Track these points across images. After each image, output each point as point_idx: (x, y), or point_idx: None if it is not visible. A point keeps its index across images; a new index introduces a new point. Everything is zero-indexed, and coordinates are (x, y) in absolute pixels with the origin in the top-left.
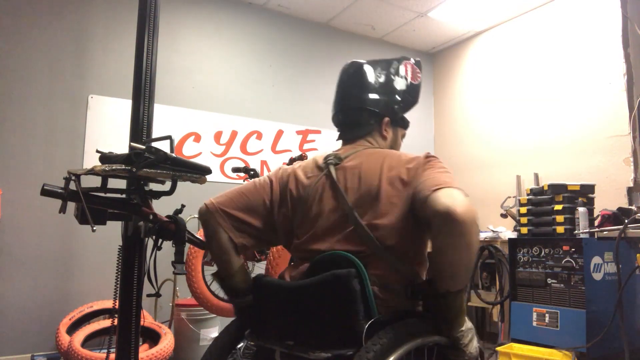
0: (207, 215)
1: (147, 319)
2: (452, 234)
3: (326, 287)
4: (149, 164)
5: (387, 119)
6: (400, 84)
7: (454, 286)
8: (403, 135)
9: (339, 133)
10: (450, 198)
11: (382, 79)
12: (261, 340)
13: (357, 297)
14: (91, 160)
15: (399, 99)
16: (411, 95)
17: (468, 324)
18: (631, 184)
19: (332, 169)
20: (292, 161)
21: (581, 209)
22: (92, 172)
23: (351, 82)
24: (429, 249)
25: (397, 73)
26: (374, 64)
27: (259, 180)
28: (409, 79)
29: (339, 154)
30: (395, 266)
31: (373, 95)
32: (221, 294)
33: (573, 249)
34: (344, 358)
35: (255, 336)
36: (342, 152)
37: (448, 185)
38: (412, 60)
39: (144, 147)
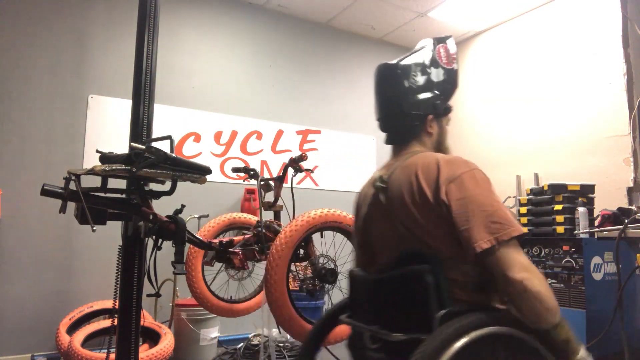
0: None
1: (147, 319)
2: (522, 302)
3: (404, 281)
4: (149, 164)
5: (430, 116)
6: (437, 75)
7: (547, 325)
8: (448, 121)
9: (386, 137)
10: (505, 271)
11: (417, 77)
12: (354, 323)
13: (431, 290)
14: (91, 160)
15: (438, 93)
16: (450, 83)
17: (582, 354)
18: (631, 184)
19: (380, 195)
20: (292, 161)
21: (581, 209)
22: (92, 172)
23: (388, 88)
24: None
25: (432, 64)
26: (406, 61)
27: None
28: (445, 65)
29: (382, 175)
30: (461, 269)
31: (412, 98)
32: (221, 293)
33: (573, 249)
34: (419, 341)
35: (350, 320)
36: (385, 171)
37: (495, 238)
38: (444, 41)
39: (144, 147)
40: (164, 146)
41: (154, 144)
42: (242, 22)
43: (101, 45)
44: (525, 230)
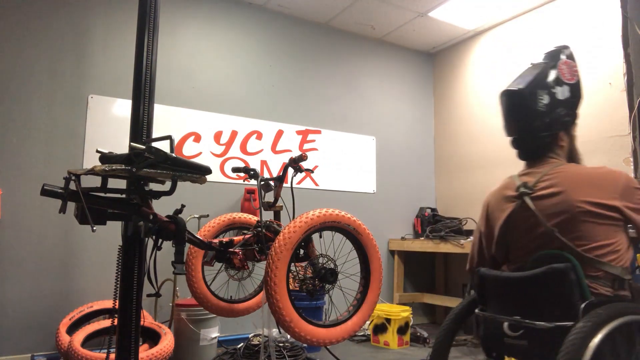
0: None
1: (147, 319)
2: None
3: (548, 277)
4: (149, 164)
5: (561, 132)
6: (562, 93)
7: None
8: (575, 127)
9: (518, 153)
10: None
11: (545, 100)
12: (492, 315)
13: (573, 284)
14: (91, 160)
15: (566, 111)
16: (575, 96)
17: None
18: None
19: (527, 199)
20: (292, 161)
21: None
22: (92, 172)
23: (517, 113)
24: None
25: (556, 83)
26: (531, 86)
27: (474, 234)
28: (568, 81)
29: (527, 182)
30: (602, 268)
31: (542, 120)
32: (221, 293)
33: None
34: (564, 328)
35: (486, 313)
36: (527, 178)
37: None
38: (563, 57)
39: (144, 147)
40: (164, 146)
41: (154, 144)
42: (242, 22)
43: (101, 45)
44: None
